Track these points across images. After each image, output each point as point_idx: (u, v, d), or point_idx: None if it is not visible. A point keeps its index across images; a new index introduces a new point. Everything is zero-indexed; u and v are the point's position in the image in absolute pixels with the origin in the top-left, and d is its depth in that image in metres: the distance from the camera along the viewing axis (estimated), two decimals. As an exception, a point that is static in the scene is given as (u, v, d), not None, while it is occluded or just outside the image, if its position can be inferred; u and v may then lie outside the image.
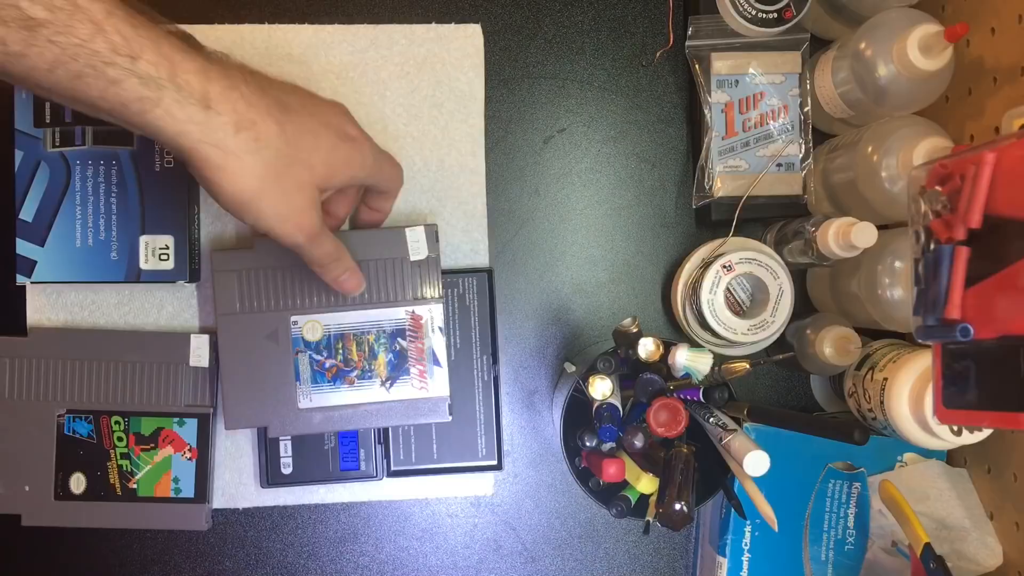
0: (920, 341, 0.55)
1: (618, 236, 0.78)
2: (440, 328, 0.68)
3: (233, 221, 0.75)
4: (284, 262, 0.67)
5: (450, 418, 0.69)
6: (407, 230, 0.68)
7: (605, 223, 0.78)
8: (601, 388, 0.64)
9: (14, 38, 0.43)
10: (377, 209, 0.68)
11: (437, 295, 0.68)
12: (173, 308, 0.75)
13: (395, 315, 0.68)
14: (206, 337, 0.72)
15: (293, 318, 0.68)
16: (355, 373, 0.68)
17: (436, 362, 0.68)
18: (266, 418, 0.68)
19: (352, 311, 0.68)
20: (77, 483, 0.72)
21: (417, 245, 0.68)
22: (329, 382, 0.68)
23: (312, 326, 0.67)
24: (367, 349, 0.68)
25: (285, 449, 0.73)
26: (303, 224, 0.56)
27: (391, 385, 0.68)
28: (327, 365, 0.68)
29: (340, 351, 0.68)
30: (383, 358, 0.68)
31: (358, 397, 0.68)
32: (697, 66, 0.75)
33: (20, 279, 0.70)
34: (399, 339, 0.68)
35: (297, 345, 0.68)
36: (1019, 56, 0.61)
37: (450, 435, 0.74)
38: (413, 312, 0.68)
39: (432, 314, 0.68)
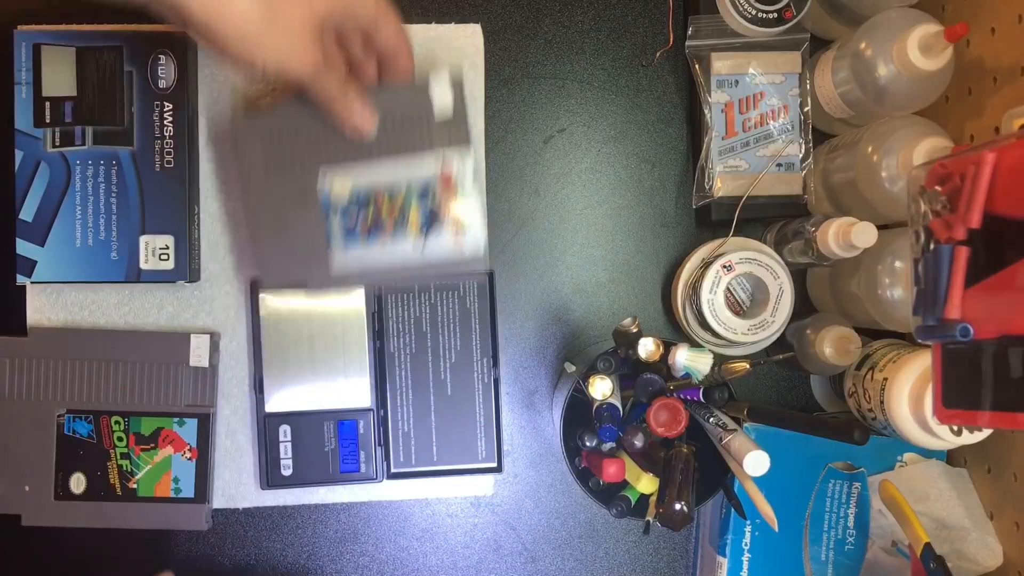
0: (920, 341, 0.55)
1: (618, 236, 0.78)
2: (471, 182, 0.67)
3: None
4: (306, 120, 0.66)
5: (486, 268, 0.69)
6: (432, 80, 0.66)
7: (605, 223, 0.78)
8: (601, 388, 0.64)
9: None
10: (392, 64, 0.66)
11: (466, 148, 0.67)
12: (173, 308, 0.75)
13: (424, 170, 0.67)
14: (206, 337, 0.72)
15: (322, 174, 0.67)
16: (387, 230, 0.67)
17: (467, 217, 0.67)
18: (302, 275, 0.68)
19: (381, 167, 0.67)
20: (77, 483, 0.72)
21: (443, 97, 0.67)
22: (361, 238, 0.67)
23: (341, 183, 0.66)
24: (398, 206, 0.67)
25: (285, 451, 0.73)
26: (306, 58, 0.57)
27: (424, 240, 0.67)
28: (359, 222, 0.67)
29: (371, 208, 0.67)
30: (415, 214, 0.67)
31: (391, 253, 0.68)
32: (697, 66, 0.75)
33: (20, 279, 0.70)
34: (429, 194, 0.67)
35: (328, 204, 0.67)
36: (1019, 56, 0.61)
37: (450, 437, 0.74)
38: (443, 166, 0.67)
39: (462, 167, 0.67)
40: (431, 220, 0.67)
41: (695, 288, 0.71)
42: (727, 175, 0.74)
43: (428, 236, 0.67)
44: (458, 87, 0.66)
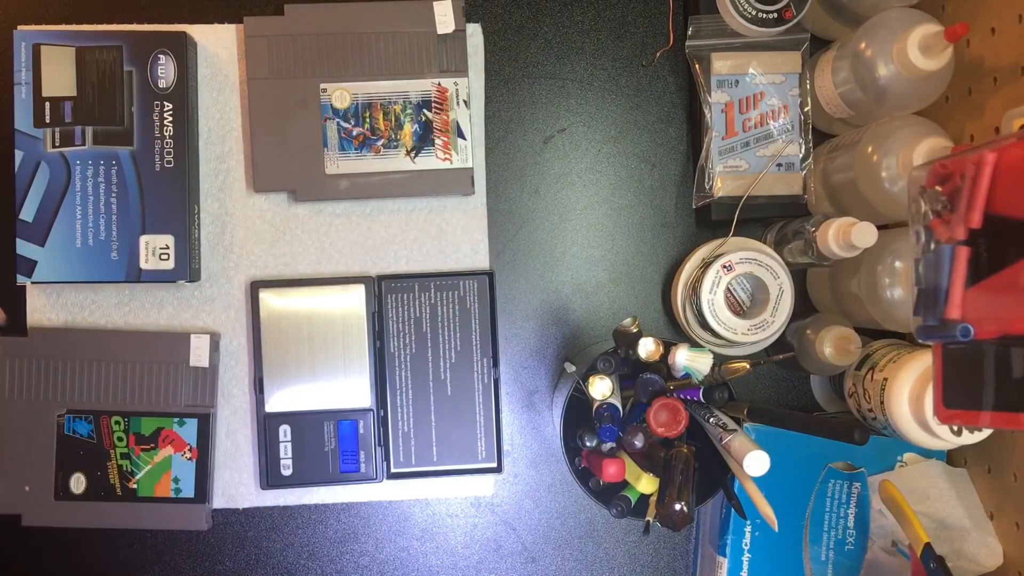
0: (920, 341, 0.55)
1: (618, 236, 0.78)
2: (465, 101, 0.70)
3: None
4: (315, 30, 0.69)
5: (474, 192, 0.72)
6: (435, 3, 0.70)
7: (605, 223, 0.78)
8: (601, 388, 0.64)
9: None
10: None
11: (463, 68, 0.70)
12: (173, 308, 0.75)
13: (421, 86, 0.70)
14: (206, 337, 0.72)
15: (323, 85, 0.69)
16: (381, 142, 0.69)
17: (460, 135, 0.70)
18: (295, 181, 0.70)
19: (380, 81, 0.70)
20: (77, 483, 0.72)
21: (444, 19, 0.69)
22: (356, 149, 0.69)
23: (340, 94, 0.68)
24: (393, 119, 0.69)
25: (285, 451, 0.73)
26: None
27: (416, 155, 0.70)
28: (354, 133, 0.69)
29: (367, 120, 0.69)
30: (408, 128, 0.69)
31: (383, 166, 0.70)
32: (697, 66, 0.75)
33: (20, 279, 0.70)
34: (425, 110, 0.69)
35: (326, 112, 0.69)
36: (1019, 56, 0.61)
37: (450, 437, 0.74)
38: (439, 84, 0.69)
39: (457, 86, 0.70)
40: (424, 135, 0.69)
41: (695, 288, 0.71)
42: (727, 175, 0.74)
43: (420, 152, 0.69)
44: (459, 8, 0.68)
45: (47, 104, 0.70)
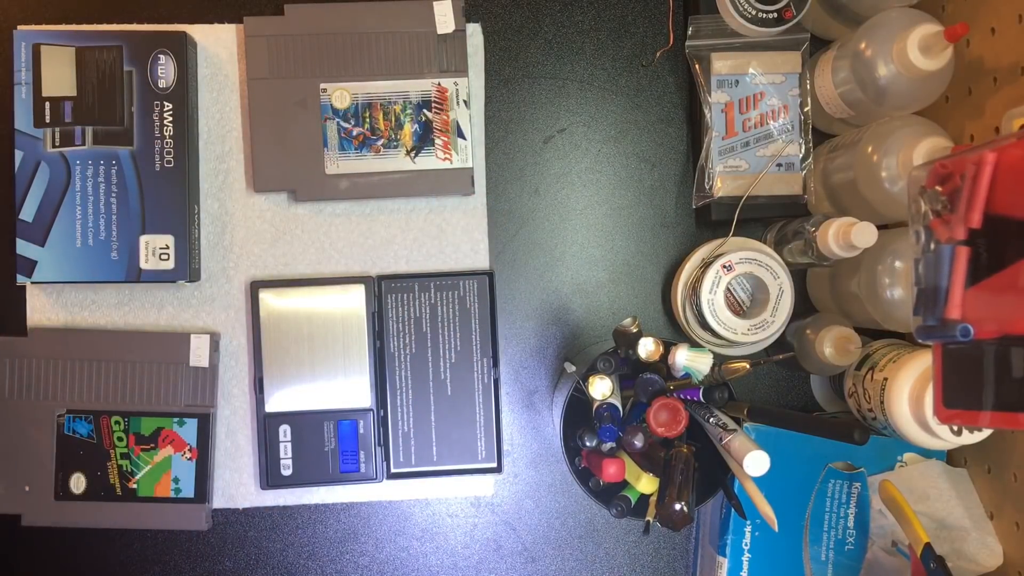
0: (920, 341, 0.55)
1: (618, 236, 0.78)
2: (465, 101, 0.70)
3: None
4: (315, 30, 0.69)
5: (474, 192, 0.72)
6: (435, 3, 0.70)
7: (605, 223, 0.78)
8: (601, 388, 0.64)
9: None
10: None
11: (463, 68, 0.70)
12: (173, 308, 0.75)
13: (421, 86, 0.70)
14: (206, 337, 0.72)
15: (323, 85, 0.69)
16: (381, 142, 0.70)
17: (460, 134, 0.70)
18: (295, 181, 0.70)
19: (380, 81, 0.70)
20: (77, 483, 0.72)
21: (444, 19, 0.69)
22: (356, 149, 0.70)
23: (340, 94, 0.68)
24: (393, 119, 0.69)
25: (285, 451, 0.73)
26: None
27: (416, 155, 0.70)
28: (354, 133, 0.69)
29: (367, 120, 0.69)
30: (408, 128, 0.70)
31: (383, 165, 0.70)
32: (697, 66, 0.75)
33: (20, 279, 0.70)
34: (425, 110, 0.70)
35: (326, 112, 0.70)
36: (1019, 56, 0.61)
37: (450, 437, 0.74)
38: (439, 84, 0.69)
39: (457, 86, 0.70)
40: (424, 135, 0.69)
41: (695, 288, 0.71)
42: (727, 175, 0.74)
43: (420, 152, 0.69)
44: (459, 9, 0.69)
45: (47, 104, 0.70)
